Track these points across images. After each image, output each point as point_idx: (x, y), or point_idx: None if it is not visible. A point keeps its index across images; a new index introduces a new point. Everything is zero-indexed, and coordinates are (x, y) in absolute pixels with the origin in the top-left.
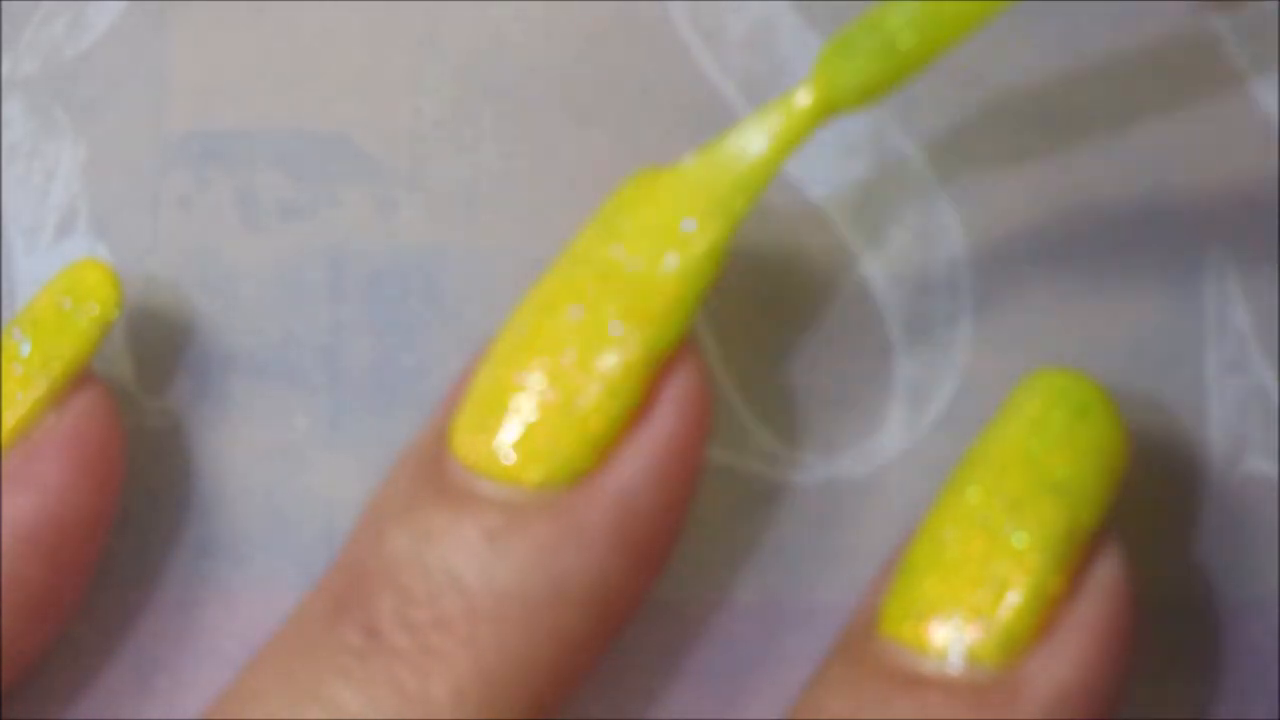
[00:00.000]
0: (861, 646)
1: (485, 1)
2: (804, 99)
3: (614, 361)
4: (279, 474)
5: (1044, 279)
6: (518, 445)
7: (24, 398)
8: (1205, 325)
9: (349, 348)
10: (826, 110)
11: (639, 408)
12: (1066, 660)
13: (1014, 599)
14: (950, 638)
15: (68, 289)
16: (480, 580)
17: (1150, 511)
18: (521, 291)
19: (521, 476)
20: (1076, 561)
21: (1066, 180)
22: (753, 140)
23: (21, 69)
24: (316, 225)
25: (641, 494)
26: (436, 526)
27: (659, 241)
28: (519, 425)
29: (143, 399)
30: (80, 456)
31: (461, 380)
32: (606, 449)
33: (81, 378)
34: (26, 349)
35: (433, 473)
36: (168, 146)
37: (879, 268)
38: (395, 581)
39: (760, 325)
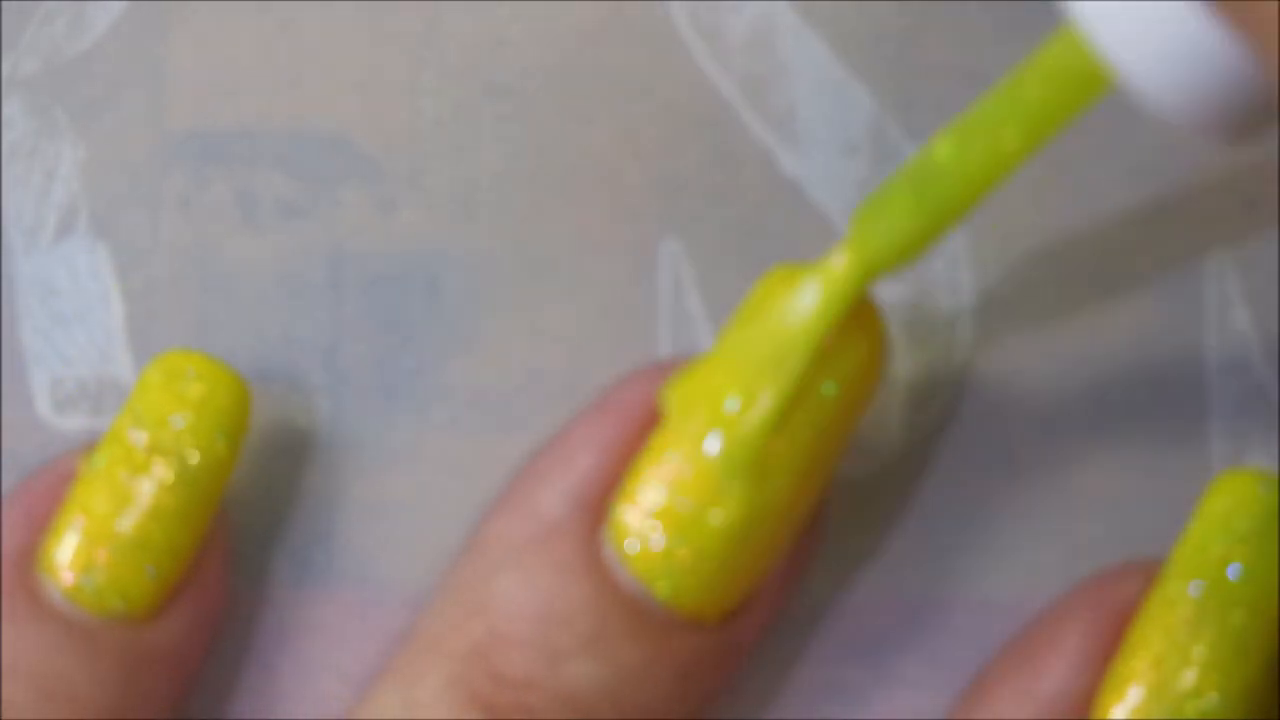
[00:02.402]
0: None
1: (485, 1)
2: (839, 264)
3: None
4: (279, 474)
5: (1044, 279)
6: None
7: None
8: (1205, 325)
9: (349, 348)
10: (865, 276)
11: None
12: None
13: None
14: None
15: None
16: (664, 715)
17: (1151, 511)
18: (521, 291)
19: (704, 613)
20: None
21: (1066, 180)
22: (791, 313)
23: (21, 69)
24: (316, 225)
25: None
26: (633, 664)
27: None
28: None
29: None
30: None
31: (605, 446)
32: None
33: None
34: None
35: (599, 573)
36: (168, 146)
37: None
38: (583, 711)
39: None
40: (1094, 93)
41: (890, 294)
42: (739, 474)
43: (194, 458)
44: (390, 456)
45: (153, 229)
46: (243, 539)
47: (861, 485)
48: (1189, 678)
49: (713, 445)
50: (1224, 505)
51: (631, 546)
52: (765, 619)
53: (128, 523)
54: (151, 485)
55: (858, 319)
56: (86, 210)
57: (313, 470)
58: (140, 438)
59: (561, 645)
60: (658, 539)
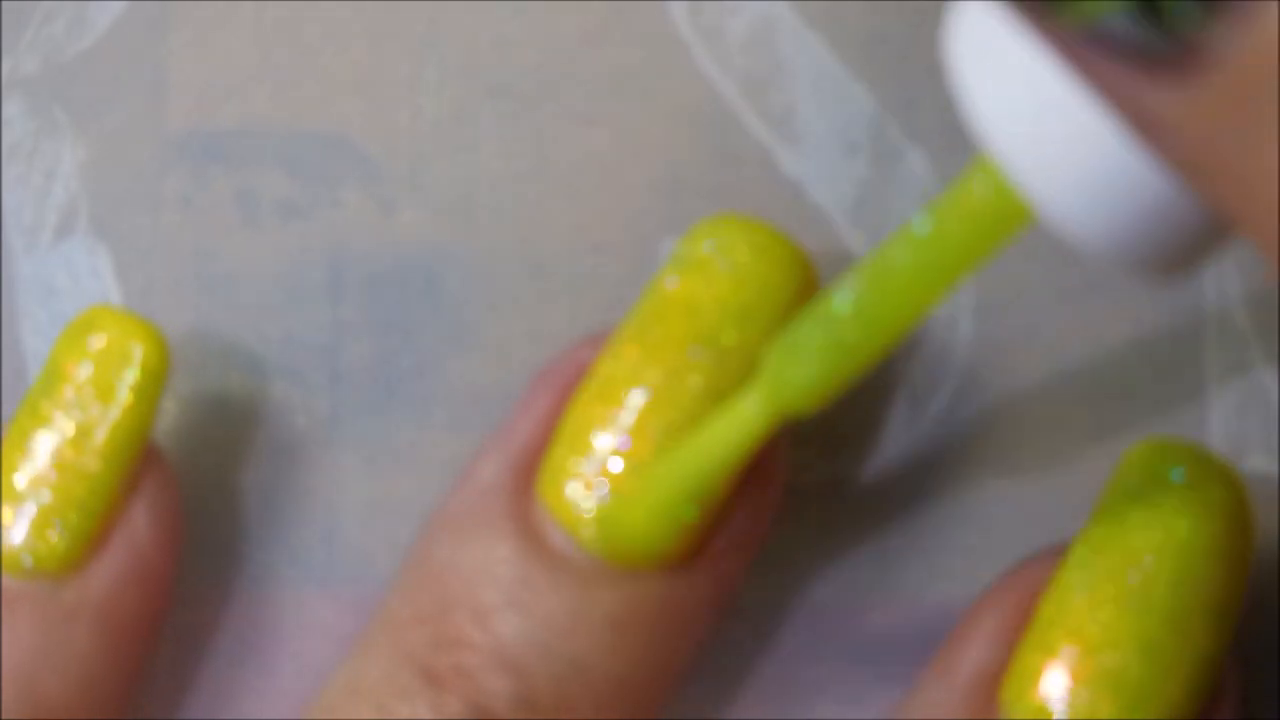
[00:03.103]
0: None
1: (485, 1)
2: (750, 407)
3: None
4: (279, 474)
5: (1044, 279)
6: (614, 520)
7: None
8: (1205, 325)
9: (349, 348)
10: (775, 419)
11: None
12: None
13: None
14: None
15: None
16: (602, 668)
17: None
18: (521, 291)
19: (636, 561)
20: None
21: None
22: (705, 451)
23: (21, 69)
24: (316, 225)
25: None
26: (558, 614)
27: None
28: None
29: None
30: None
31: (542, 412)
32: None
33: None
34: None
35: (525, 530)
36: (168, 146)
37: None
38: (515, 666)
39: None
40: (1009, 231)
41: None
42: (660, 424)
43: (95, 410)
44: (390, 456)
45: (153, 229)
46: (243, 539)
47: (861, 485)
48: (1074, 653)
49: (637, 398)
50: (1126, 475)
51: (556, 498)
52: (723, 572)
53: (25, 479)
54: (52, 440)
55: (791, 265)
56: (86, 210)
57: (313, 470)
58: (45, 394)
59: (489, 602)
60: (581, 489)
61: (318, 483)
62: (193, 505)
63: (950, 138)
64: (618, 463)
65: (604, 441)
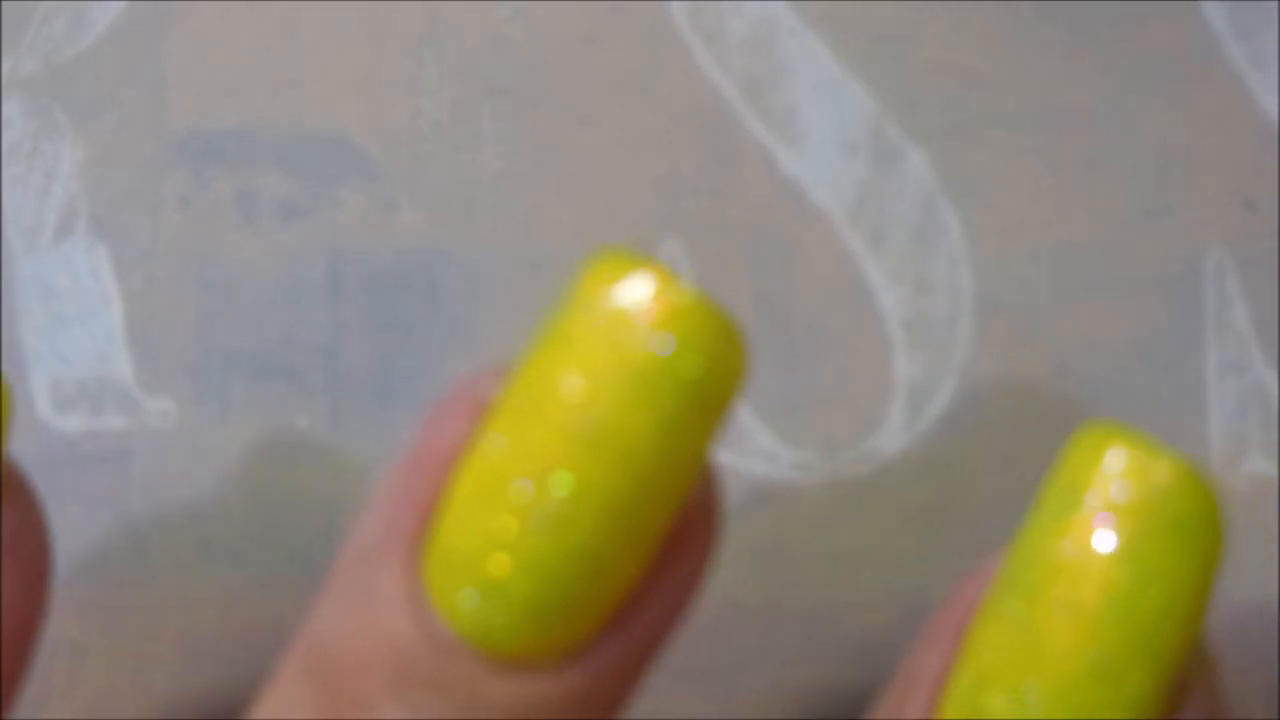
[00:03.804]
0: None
1: (485, 1)
2: None
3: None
4: (279, 474)
5: (1044, 279)
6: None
7: None
8: (1205, 325)
9: (349, 348)
10: None
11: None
12: None
13: None
14: None
15: None
16: None
17: None
18: (521, 291)
19: (530, 657)
20: None
21: (1066, 180)
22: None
23: (21, 69)
24: (316, 225)
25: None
26: (446, 711)
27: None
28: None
29: (143, 399)
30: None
31: (424, 489)
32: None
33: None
34: None
35: (416, 611)
36: (168, 146)
37: (879, 268)
38: None
39: (760, 325)
40: None
41: (890, 294)
42: (547, 517)
43: None
44: (390, 456)
45: (153, 229)
46: (243, 540)
47: (861, 485)
48: (1006, 683)
49: (522, 490)
50: (1062, 474)
51: (439, 590)
52: (633, 656)
53: None
54: None
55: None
56: (86, 210)
57: (313, 470)
58: None
59: (376, 688)
60: (469, 588)
61: (318, 483)
62: (192, 506)
63: (950, 138)
64: (500, 555)
65: (485, 527)
